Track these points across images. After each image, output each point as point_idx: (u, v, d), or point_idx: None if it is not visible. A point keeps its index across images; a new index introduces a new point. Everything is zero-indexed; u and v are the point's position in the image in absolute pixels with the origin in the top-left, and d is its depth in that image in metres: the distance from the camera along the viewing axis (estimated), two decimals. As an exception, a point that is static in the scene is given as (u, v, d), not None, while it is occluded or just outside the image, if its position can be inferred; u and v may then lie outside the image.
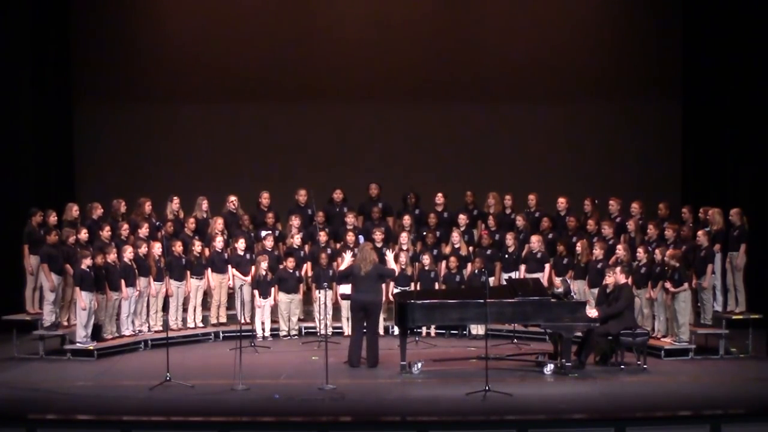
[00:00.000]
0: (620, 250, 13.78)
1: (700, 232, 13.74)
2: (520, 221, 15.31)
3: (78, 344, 13.50)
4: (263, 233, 15.29)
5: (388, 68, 17.69)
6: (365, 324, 12.90)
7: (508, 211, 15.69)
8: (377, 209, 15.72)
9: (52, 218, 14.35)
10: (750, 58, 15.82)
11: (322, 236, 15.22)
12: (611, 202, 15.06)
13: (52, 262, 13.78)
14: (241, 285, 14.31)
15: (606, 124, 17.74)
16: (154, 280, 14.53)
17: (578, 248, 14.40)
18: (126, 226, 14.61)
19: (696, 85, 17.04)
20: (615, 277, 12.93)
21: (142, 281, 14.34)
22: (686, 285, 13.17)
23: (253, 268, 14.99)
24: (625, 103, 17.67)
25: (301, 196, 15.71)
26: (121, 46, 17.62)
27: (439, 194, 15.93)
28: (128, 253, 14.10)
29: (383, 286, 13.64)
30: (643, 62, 17.55)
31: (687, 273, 13.32)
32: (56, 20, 17.13)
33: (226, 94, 17.70)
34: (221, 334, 14.98)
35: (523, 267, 14.88)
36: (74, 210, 14.65)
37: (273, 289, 14.91)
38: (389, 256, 13.47)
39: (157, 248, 14.52)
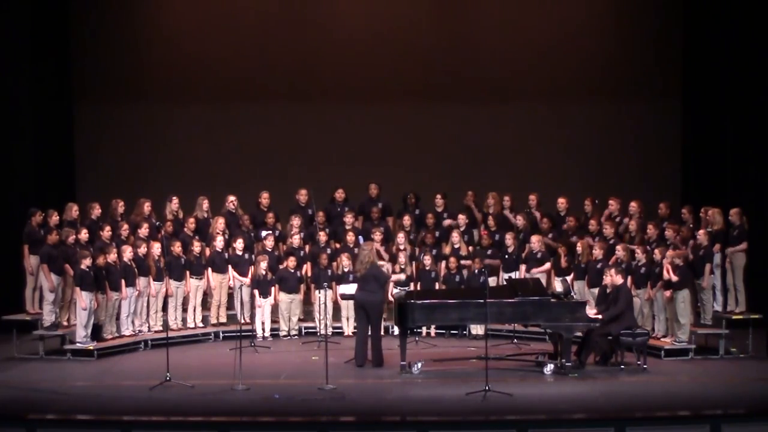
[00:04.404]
0: (619, 251, 13.79)
1: (699, 232, 13.74)
2: (520, 221, 15.30)
3: (78, 344, 13.49)
4: (263, 233, 15.30)
5: (388, 68, 17.70)
6: (368, 323, 12.91)
7: (506, 211, 15.65)
8: (377, 209, 15.72)
9: (54, 218, 14.35)
10: (750, 59, 15.81)
11: (322, 236, 15.22)
12: (611, 201, 15.05)
13: (52, 262, 13.78)
14: (240, 285, 14.31)
15: (606, 124, 17.74)
16: (154, 280, 14.53)
17: (578, 248, 14.40)
18: (126, 226, 14.61)
19: (696, 86, 17.05)
20: (611, 278, 12.93)
21: (141, 281, 14.34)
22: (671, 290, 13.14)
23: (252, 268, 14.99)
24: (625, 104, 17.67)
25: (302, 195, 15.70)
26: (121, 46, 17.62)
27: (438, 195, 15.91)
28: (128, 253, 14.10)
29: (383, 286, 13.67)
30: (643, 62, 17.56)
31: (688, 274, 13.32)
32: (56, 20, 17.12)
33: (226, 94, 17.70)
34: (221, 334, 14.98)
35: (523, 267, 14.88)
36: (74, 210, 14.66)
37: (273, 289, 14.92)
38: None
39: (156, 248, 14.52)
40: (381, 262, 13.97)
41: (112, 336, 14.03)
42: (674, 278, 13.11)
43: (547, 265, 14.76)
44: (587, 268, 14.19)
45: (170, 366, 11.74)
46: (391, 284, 14.61)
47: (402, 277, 14.81)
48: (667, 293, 13.30)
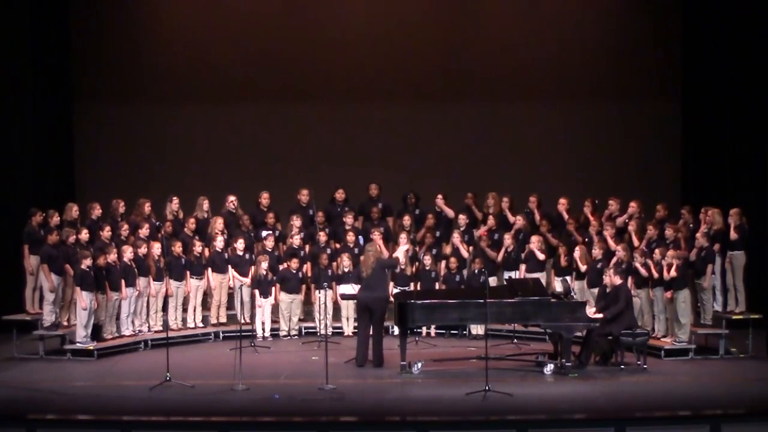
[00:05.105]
0: (619, 251, 13.78)
1: (699, 233, 13.73)
2: (519, 221, 15.29)
3: (78, 344, 13.50)
4: (264, 233, 15.30)
5: (389, 68, 17.69)
6: (370, 323, 12.90)
7: (505, 213, 15.62)
8: (377, 209, 15.72)
9: (55, 219, 14.36)
10: (750, 59, 15.82)
11: (322, 236, 15.22)
12: (611, 202, 15.04)
13: (52, 263, 13.78)
14: (241, 285, 14.32)
15: (606, 124, 17.73)
16: (154, 280, 14.53)
17: (577, 252, 14.37)
18: (126, 226, 14.62)
19: (696, 86, 17.04)
20: (610, 278, 12.92)
21: (141, 281, 14.34)
22: (675, 264, 13.10)
23: (252, 268, 15.00)
24: (625, 104, 17.66)
25: (303, 195, 15.69)
26: (121, 46, 17.62)
27: (439, 195, 15.91)
28: (128, 253, 14.10)
29: (389, 281, 13.63)
30: (643, 63, 17.55)
31: (688, 273, 13.32)
32: (56, 20, 17.11)
33: (226, 94, 17.69)
34: (221, 334, 14.98)
35: (523, 267, 14.88)
36: (74, 210, 14.66)
37: (274, 289, 14.93)
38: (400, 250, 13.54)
39: (156, 248, 14.52)
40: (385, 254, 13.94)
41: (112, 336, 14.03)
42: (672, 274, 13.10)
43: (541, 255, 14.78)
44: (587, 269, 14.19)
45: (170, 366, 11.74)
46: (391, 284, 14.61)
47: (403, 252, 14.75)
48: (668, 294, 13.31)
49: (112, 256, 13.86)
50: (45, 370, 12.98)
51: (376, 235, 14.85)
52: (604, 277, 13.11)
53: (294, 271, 14.90)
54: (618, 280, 12.90)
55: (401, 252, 13.72)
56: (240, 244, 14.99)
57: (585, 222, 15.05)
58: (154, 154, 17.72)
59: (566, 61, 17.66)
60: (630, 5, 17.77)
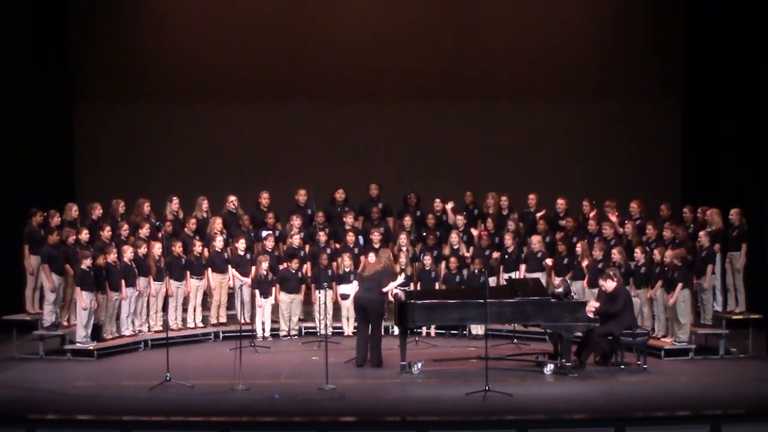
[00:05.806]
0: (615, 254, 13.76)
1: (701, 233, 13.72)
2: (512, 221, 15.28)
3: (78, 344, 13.49)
4: (264, 233, 15.30)
5: (388, 68, 17.71)
6: (368, 324, 12.91)
7: (505, 212, 15.64)
8: (377, 209, 15.72)
9: (56, 219, 14.35)
10: (750, 59, 15.82)
11: (322, 236, 15.22)
12: (632, 204, 14.91)
13: (53, 263, 13.77)
14: (241, 285, 14.31)
15: (606, 125, 17.74)
16: (154, 280, 14.53)
17: (578, 249, 14.39)
18: (126, 226, 14.62)
19: (696, 86, 17.04)
20: (605, 286, 12.86)
21: (141, 281, 14.34)
22: (680, 286, 13.09)
23: (253, 268, 15.00)
24: (625, 104, 17.67)
25: (301, 196, 15.70)
26: (121, 46, 17.63)
27: (437, 200, 15.89)
28: (128, 253, 14.10)
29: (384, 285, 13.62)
30: (643, 63, 17.57)
31: (688, 274, 13.31)
32: (56, 20, 17.12)
33: (226, 95, 17.70)
34: (221, 334, 14.98)
35: (523, 267, 14.88)
36: (74, 210, 14.67)
37: (274, 289, 14.93)
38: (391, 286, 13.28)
39: (157, 248, 14.52)
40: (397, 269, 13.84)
41: (112, 336, 14.03)
42: (678, 290, 13.09)
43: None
44: (587, 268, 14.18)
45: (170, 366, 11.74)
46: (392, 284, 14.58)
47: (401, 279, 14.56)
48: (671, 299, 13.24)
49: (112, 256, 13.86)
50: (45, 370, 12.98)
51: (376, 236, 14.79)
52: (600, 281, 13.05)
53: (294, 271, 14.91)
54: (611, 286, 12.80)
55: (391, 288, 13.41)
56: (241, 244, 14.99)
57: (584, 222, 15.05)
58: (154, 154, 17.74)
59: (566, 61, 17.68)
60: (630, 5, 17.78)
